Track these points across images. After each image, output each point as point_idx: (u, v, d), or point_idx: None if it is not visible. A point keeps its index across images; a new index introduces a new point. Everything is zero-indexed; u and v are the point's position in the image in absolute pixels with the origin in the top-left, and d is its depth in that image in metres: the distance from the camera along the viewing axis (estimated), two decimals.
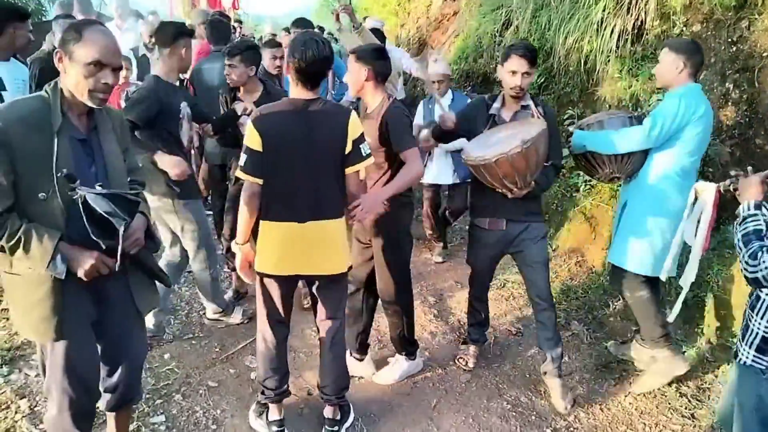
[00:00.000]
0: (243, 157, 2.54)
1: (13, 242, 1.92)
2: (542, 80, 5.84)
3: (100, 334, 2.23)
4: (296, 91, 2.55)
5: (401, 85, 6.12)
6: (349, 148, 2.53)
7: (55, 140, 1.95)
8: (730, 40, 4.33)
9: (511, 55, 2.96)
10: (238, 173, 2.58)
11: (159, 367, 3.43)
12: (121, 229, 1.98)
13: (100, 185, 2.02)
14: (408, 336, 3.35)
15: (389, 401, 3.24)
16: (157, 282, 2.40)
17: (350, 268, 2.81)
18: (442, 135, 3.35)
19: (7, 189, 1.92)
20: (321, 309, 2.85)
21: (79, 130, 2.07)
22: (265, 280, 2.71)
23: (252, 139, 2.50)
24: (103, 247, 1.99)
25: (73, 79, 1.97)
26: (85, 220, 1.92)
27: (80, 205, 1.91)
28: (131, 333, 2.33)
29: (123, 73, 5.22)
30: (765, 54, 4.07)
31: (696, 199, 2.91)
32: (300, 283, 3.15)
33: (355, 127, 2.55)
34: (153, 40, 5.64)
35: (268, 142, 2.48)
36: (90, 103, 2.02)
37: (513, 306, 4.31)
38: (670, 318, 3.03)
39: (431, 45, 8.77)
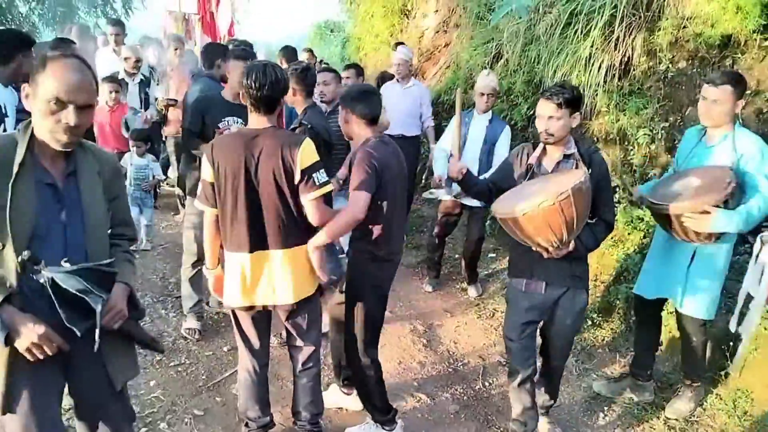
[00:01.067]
0: (200, 187, 2.64)
1: None
2: (531, 112, 5.94)
3: (75, 400, 1.99)
4: (252, 119, 2.57)
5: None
6: (298, 177, 2.49)
7: (10, 184, 1.70)
8: None
9: (540, 98, 2.70)
10: (196, 203, 2.71)
11: (144, 395, 3.38)
12: (99, 308, 1.74)
13: (66, 261, 1.76)
14: (378, 404, 3.08)
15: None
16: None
17: (320, 292, 2.80)
18: (469, 188, 3.03)
19: None
20: (290, 335, 2.86)
21: (50, 173, 1.81)
22: (236, 310, 2.74)
23: (205, 170, 2.57)
24: (79, 334, 1.73)
25: (36, 117, 1.76)
26: (56, 304, 1.69)
27: (48, 288, 1.70)
28: (107, 409, 2.03)
29: (112, 95, 5.32)
30: (748, 92, 4.17)
31: (761, 248, 2.88)
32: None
33: (306, 155, 2.49)
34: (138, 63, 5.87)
35: (218, 172, 2.52)
36: (53, 146, 1.78)
37: (502, 335, 4.29)
38: (732, 371, 3.03)
39: (422, 76, 8.90)
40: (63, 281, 1.69)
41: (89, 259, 1.84)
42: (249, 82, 2.44)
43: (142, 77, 5.91)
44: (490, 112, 4.63)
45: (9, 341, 1.70)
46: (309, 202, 2.52)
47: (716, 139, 3.07)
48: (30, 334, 1.69)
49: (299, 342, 2.84)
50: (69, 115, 1.73)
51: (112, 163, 2.07)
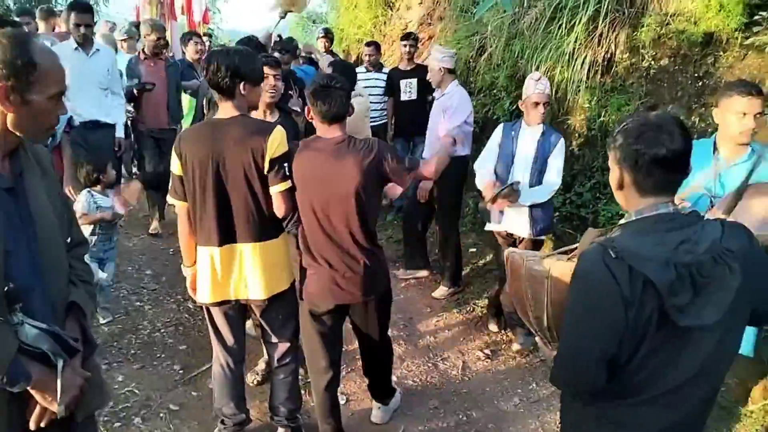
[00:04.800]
0: (170, 182, 2.60)
1: None
2: (514, 107, 5.93)
3: None
4: (221, 108, 2.52)
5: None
6: (267, 167, 2.44)
7: None
8: (696, 75, 4.46)
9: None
10: (169, 197, 2.65)
11: (118, 389, 3.31)
12: (60, 365, 1.56)
13: (44, 326, 1.55)
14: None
15: (356, 427, 3.17)
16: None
17: (291, 287, 2.73)
18: None
19: None
20: (264, 331, 2.82)
21: (3, 176, 1.58)
22: (208, 306, 2.69)
23: (173, 163, 2.52)
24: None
25: (29, 117, 1.58)
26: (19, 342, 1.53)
27: (18, 333, 1.53)
28: None
29: None
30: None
31: None
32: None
33: (275, 145, 2.43)
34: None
35: (185, 165, 2.48)
36: (40, 142, 1.68)
37: (483, 331, 4.29)
38: None
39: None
40: (34, 340, 1.54)
41: (46, 283, 1.63)
42: (210, 68, 2.39)
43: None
44: (542, 123, 3.86)
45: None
46: (276, 194, 2.48)
47: (742, 155, 2.65)
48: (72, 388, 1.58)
49: (274, 338, 2.80)
50: (63, 105, 1.65)
51: (49, 159, 1.83)
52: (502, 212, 3.81)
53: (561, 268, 1.74)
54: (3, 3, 15.14)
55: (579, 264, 1.52)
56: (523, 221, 3.80)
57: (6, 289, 1.50)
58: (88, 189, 3.87)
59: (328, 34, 7.81)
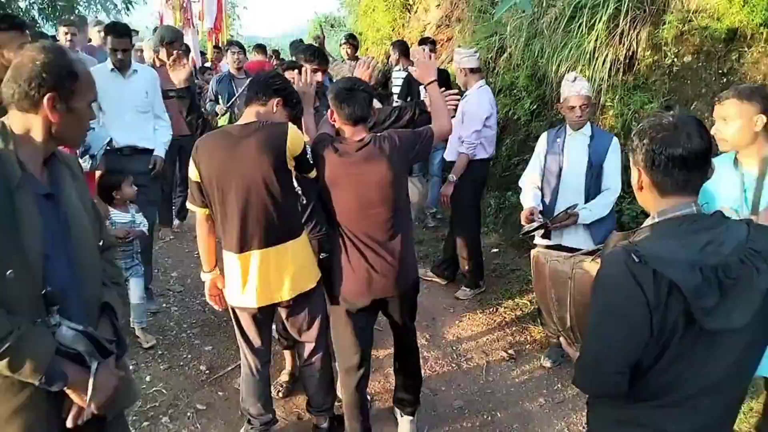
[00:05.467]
0: (189, 188, 2.66)
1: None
2: (535, 107, 5.91)
3: None
4: (244, 114, 2.60)
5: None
6: (292, 164, 2.53)
7: (15, 198, 1.52)
8: (720, 71, 4.41)
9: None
10: (188, 203, 2.70)
11: (146, 389, 3.36)
12: (94, 366, 1.62)
13: (80, 328, 1.62)
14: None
15: (380, 427, 3.18)
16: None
17: (317, 285, 2.76)
18: None
19: None
20: (292, 329, 2.85)
21: (40, 183, 1.63)
22: (235, 308, 2.71)
23: (191, 170, 2.56)
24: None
25: (72, 125, 1.65)
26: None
27: (54, 332, 1.59)
28: None
29: None
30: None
31: None
32: None
33: (294, 142, 2.49)
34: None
35: (203, 172, 2.51)
36: (75, 146, 1.81)
37: (506, 331, 4.28)
38: None
39: None
40: (72, 341, 1.60)
41: (81, 285, 1.69)
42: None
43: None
44: (589, 124, 3.52)
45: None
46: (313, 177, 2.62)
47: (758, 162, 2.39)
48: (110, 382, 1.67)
49: (301, 337, 2.84)
50: (93, 110, 1.73)
51: (77, 164, 1.88)
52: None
53: (585, 268, 1.74)
54: (28, 13, 15.48)
55: (601, 268, 1.51)
56: (581, 232, 3.45)
57: (44, 291, 1.56)
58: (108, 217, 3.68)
59: (351, 41, 7.33)
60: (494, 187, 6.12)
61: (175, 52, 4.85)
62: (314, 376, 2.90)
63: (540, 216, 3.41)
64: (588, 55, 4.99)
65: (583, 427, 3.25)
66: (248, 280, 2.56)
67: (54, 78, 1.57)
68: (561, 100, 3.53)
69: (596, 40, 4.93)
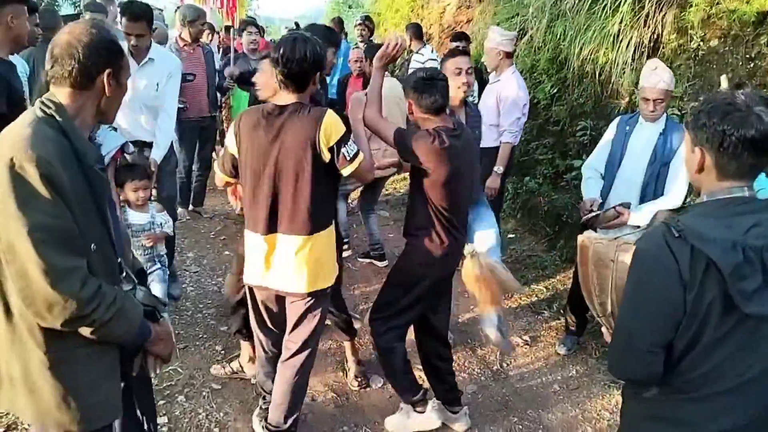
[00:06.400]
0: (223, 157, 2.61)
1: (110, 316, 1.54)
2: (555, 90, 5.82)
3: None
4: (280, 95, 2.46)
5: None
6: (327, 156, 2.36)
7: (89, 173, 1.59)
8: (748, 56, 4.30)
9: None
10: (216, 168, 2.69)
11: (162, 367, 3.39)
12: (166, 316, 1.85)
13: (146, 288, 1.87)
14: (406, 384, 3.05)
15: (387, 410, 3.19)
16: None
17: (331, 287, 2.63)
18: None
19: (83, 241, 1.53)
20: (288, 327, 2.69)
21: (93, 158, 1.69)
22: (253, 288, 2.68)
23: (230, 140, 2.51)
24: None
25: (116, 99, 1.70)
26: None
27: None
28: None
29: None
30: None
31: None
32: None
33: (329, 132, 2.33)
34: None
35: (241, 146, 2.46)
36: (112, 122, 1.86)
37: (521, 317, 4.26)
38: None
39: (443, 53, 8.75)
40: (144, 298, 1.79)
41: (125, 253, 1.91)
42: (279, 57, 2.31)
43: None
44: (665, 116, 3.26)
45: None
46: (350, 174, 2.46)
47: None
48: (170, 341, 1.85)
49: (291, 333, 2.67)
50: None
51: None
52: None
53: (628, 251, 1.69)
54: None
55: (640, 243, 1.46)
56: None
57: (119, 260, 1.72)
58: (122, 205, 3.40)
59: (367, 22, 7.08)
60: (512, 173, 6.06)
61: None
62: (287, 383, 2.66)
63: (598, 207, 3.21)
64: (612, 38, 4.90)
65: (598, 414, 3.24)
66: (270, 263, 2.52)
67: (109, 53, 1.61)
68: (638, 89, 3.29)
69: (620, 22, 4.83)
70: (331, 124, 2.34)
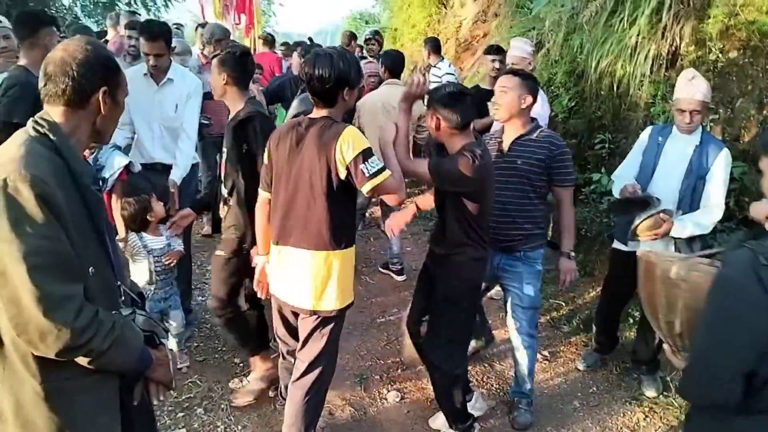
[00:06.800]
0: (262, 171, 2.64)
1: (107, 345, 1.47)
2: (573, 104, 5.80)
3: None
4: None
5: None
6: (343, 173, 2.31)
7: (87, 194, 1.53)
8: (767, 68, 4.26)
9: None
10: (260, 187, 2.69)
11: (181, 380, 3.41)
12: (167, 343, 1.77)
13: (145, 313, 1.77)
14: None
15: (410, 425, 3.17)
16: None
17: (342, 311, 2.54)
18: None
19: (80, 264, 1.46)
20: (299, 342, 2.64)
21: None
22: (272, 294, 2.70)
23: (266, 152, 2.57)
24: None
25: (112, 119, 1.64)
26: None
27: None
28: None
29: None
30: None
31: None
32: None
33: (347, 148, 2.28)
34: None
35: (272, 156, 2.52)
36: (108, 142, 1.83)
37: (540, 333, 4.20)
38: None
39: (460, 67, 8.79)
40: (144, 324, 1.71)
41: (124, 276, 1.76)
42: (307, 72, 2.35)
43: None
44: (700, 128, 3.15)
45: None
46: (371, 191, 2.36)
47: None
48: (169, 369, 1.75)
49: (300, 353, 2.61)
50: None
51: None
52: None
53: (701, 270, 1.66)
54: (71, 10, 15.90)
55: (724, 268, 1.42)
56: (672, 247, 3.10)
57: (118, 284, 1.64)
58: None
59: (377, 37, 7.07)
60: None
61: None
62: (293, 402, 2.59)
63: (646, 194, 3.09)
64: (629, 50, 4.87)
65: (619, 431, 3.19)
66: (278, 273, 2.56)
67: (105, 71, 1.56)
68: (673, 99, 3.20)
69: (638, 34, 4.81)
70: (349, 140, 2.30)
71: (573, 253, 3.16)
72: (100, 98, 1.55)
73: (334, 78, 2.31)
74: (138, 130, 3.78)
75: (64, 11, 15.50)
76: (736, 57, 4.50)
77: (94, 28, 12.73)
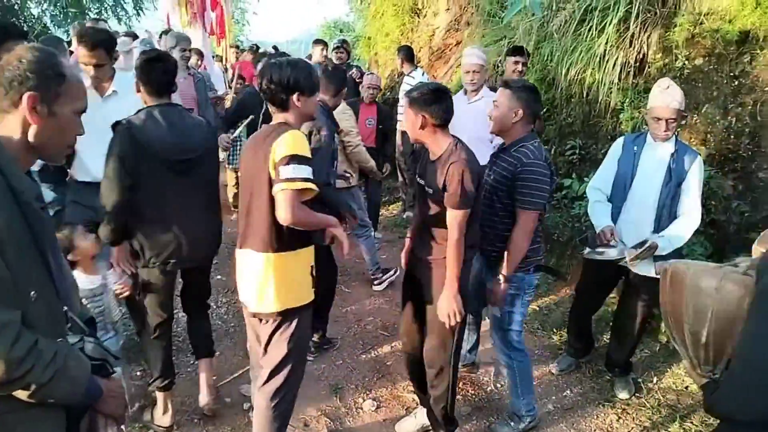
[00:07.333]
0: None
1: (49, 377, 1.35)
2: (544, 111, 5.87)
3: None
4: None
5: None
6: (273, 173, 2.30)
7: (28, 210, 1.39)
8: (732, 74, 4.36)
9: None
10: None
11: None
12: (119, 370, 1.63)
13: (94, 339, 1.62)
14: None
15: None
16: None
17: (291, 313, 2.48)
18: None
19: (14, 289, 1.32)
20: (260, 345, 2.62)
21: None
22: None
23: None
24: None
25: (51, 133, 1.48)
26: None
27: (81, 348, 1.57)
28: None
29: None
30: (767, 88, 4.09)
31: None
32: None
33: (280, 147, 2.28)
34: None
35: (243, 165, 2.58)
36: (56, 161, 1.62)
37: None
38: None
39: (434, 75, 8.84)
40: (93, 351, 1.57)
41: (73, 300, 1.61)
42: (264, 81, 2.42)
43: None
44: (674, 137, 3.15)
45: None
46: (275, 193, 2.30)
47: None
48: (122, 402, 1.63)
49: (263, 359, 2.58)
50: (81, 124, 1.56)
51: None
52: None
53: (733, 280, 1.64)
54: (40, 20, 15.66)
55: (766, 279, 1.39)
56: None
57: (65, 309, 1.50)
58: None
59: (345, 46, 7.10)
60: None
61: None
62: (259, 409, 2.57)
63: (620, 241, 3.11)
64: (598, 58, 4.96)
65: None
66: (239, 276, 2.58)
67: (37, 77, 1.42)
68: (648, 108, 3.18)
69: (606, 43, 4.90)
70: (285, 142, 2.29)
71: (506, 279, 2.87)
72: (25, 104, 1.40)
73: (284, 84, 2.37)
74: (79, 145, 3.32)
75: (33, 20, 15.25)
76: (701, 64, 4.60)
77: (65, 38, 12.56)
